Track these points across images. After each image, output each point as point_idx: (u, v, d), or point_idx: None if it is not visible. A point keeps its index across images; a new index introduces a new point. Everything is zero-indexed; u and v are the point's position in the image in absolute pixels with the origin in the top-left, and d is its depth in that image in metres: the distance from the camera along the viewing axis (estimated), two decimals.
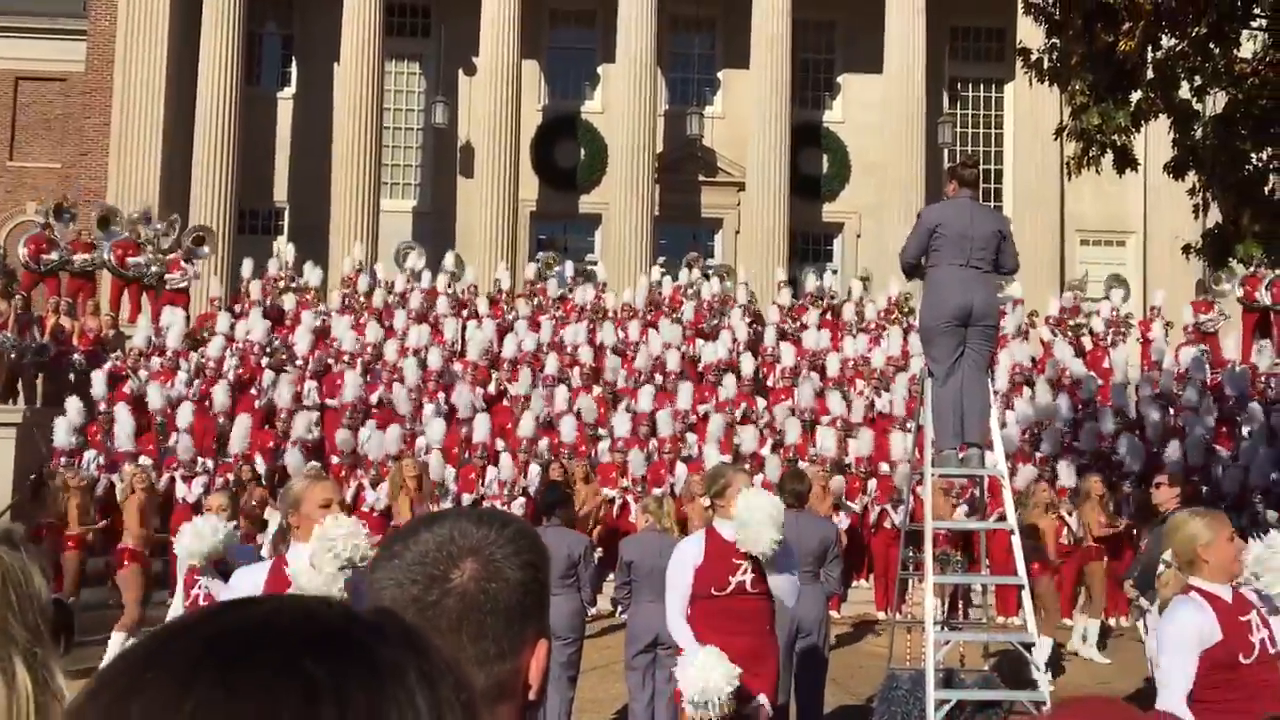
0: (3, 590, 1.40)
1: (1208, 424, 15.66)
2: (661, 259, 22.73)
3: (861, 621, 13.36)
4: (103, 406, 14.85)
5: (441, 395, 15.67)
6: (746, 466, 13.70)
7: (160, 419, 14.75)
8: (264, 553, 5.67)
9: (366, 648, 0.73)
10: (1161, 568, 4.23)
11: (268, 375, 15.99)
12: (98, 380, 15.20)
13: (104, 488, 13.61)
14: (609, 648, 10.46)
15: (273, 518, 11.57)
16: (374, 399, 15.54)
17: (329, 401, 15.55)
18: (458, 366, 16.53)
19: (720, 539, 5.23)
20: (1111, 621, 13.19)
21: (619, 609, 10.62)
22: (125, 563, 11.28)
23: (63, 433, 13.87)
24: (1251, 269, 17.35)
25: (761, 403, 16.09)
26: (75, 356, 16.01)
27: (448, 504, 12.85)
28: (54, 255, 17.95)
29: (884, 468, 14.47)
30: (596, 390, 16.18)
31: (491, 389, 16.20)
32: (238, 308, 18.13)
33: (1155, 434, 15.43)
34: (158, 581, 11.88)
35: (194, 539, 6.26)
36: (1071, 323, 19.23)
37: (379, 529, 13.23)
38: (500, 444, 14.78)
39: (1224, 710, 3.91)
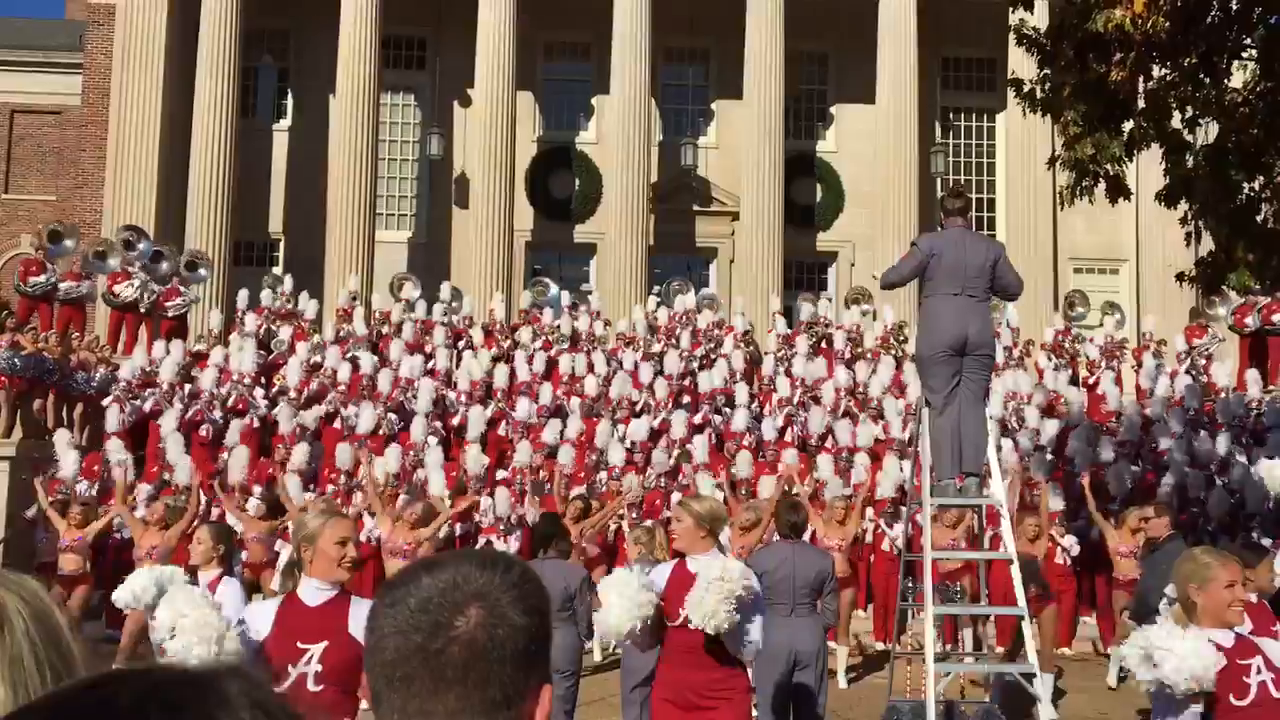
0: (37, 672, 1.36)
1: (1204, 454, 15.64)
2: (656, 288, 22.82)
3: (860, 653, 13.27)
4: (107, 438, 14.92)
5: (438, 423, 15.73)
6: (742, 491, 13.72)
7: (160, 446, 14.79)
8: (274, 586, 5.50)
9: None
10: (1164, 604, 4.19)
11: (259, 406, 16.00)
12: (111, 416, 15.22)
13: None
14: (606, 680, 10.39)
15: (284, 550, 11.50)
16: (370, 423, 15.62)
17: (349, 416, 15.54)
18: (451, 395, 16.58)
19: (685, 570, 5.26)
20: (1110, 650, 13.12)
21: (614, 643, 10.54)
22: None
23: (68, 463, 13.90)
24: (1243, 298, 17.41)
25: (769, 431, 16.06)
26: (78, 375, 15.94)
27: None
28: (42, 278, 17.90)
29: (880, 491, 14.42)
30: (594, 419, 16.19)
31: (488, 413, 16.24)
32: (233, 337, 18.15)
33: (1170, 463, 15.40)
34: None
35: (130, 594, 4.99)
36: (1066, 344, 19.28)
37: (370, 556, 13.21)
38: (499, 473, 14.79)
39: None
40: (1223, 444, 15.63)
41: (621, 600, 4.90)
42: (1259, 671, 3.92)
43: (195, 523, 13.06)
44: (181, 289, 19.12)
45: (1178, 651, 3.84)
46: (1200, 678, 3.81)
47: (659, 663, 5.41)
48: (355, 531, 4.24)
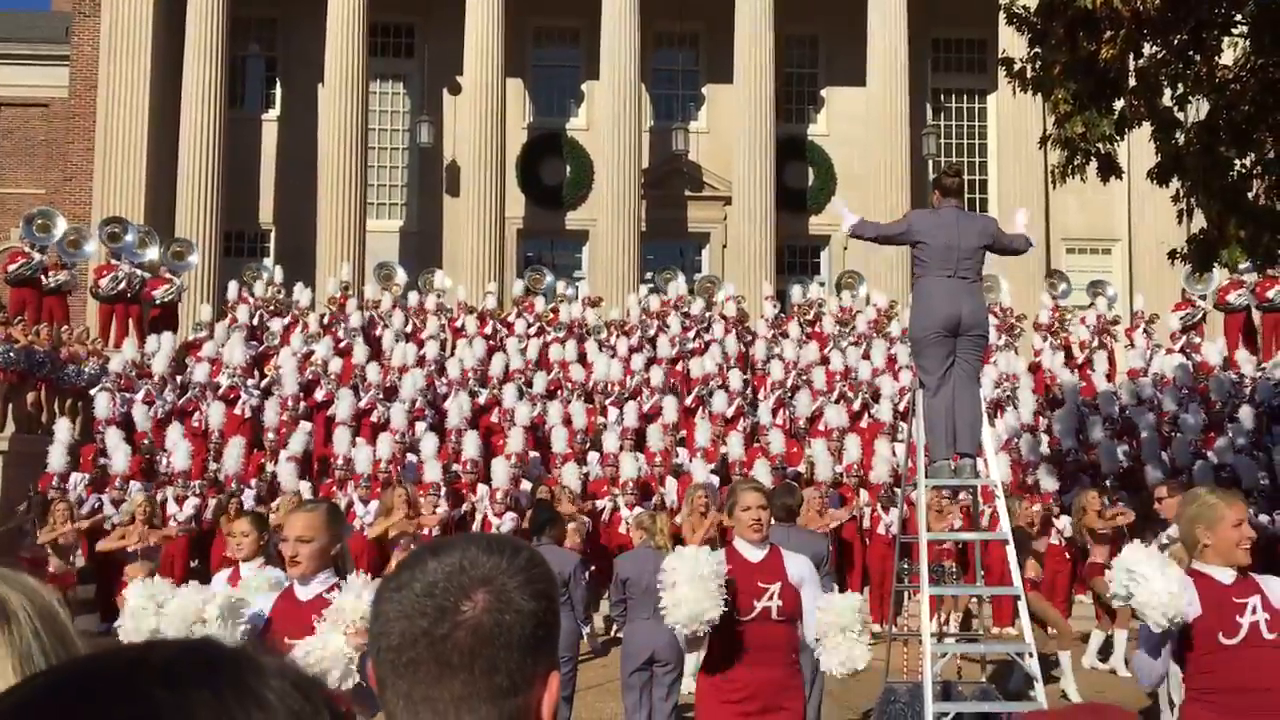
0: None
1: (1191, 427, 15.68)
2: (649, 275, 22.80)
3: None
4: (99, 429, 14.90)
5: (430, 410, 15.73)
6: (745, 474, 13.72)
7: (148, 440, 14.75)
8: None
9: (151, 696, 0.77)
10: (1165, 540, 4.19)
11: (252, 396, 15.97)
12: (100, 402, 15.19)
13: (90, 508, 13.55)
14: (605, 666, 10.40)
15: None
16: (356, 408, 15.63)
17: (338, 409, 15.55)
18: (442, 383, 16.60)
19: (741, 559, 4.92)
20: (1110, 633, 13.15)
21: (615, 626, 10.58)
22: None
23: (56, 456, 13.83)
24: (1230, 276, 17.43)
25: (764, 415, 16.07)
26: (69, 368, 15.89)
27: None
28: (18, 263, 17.85)
29: (874, 475, 14.44)
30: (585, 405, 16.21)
31: (481, 400, 16.23)
32: (220, 326, 18.14)
33: (1149, 439, 15.46)
34: None
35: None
36: (1059, 326, 19.30)
37: (366, 546, 13.22)
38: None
39: (1209, 705, 3.83)
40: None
41: (694, 586, 4.50)
42: (1254, 611, 3.87)
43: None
44: (168, 276, 19.06)
45: (1153, 584, 3.85)
46: (1167, 612, 3.82)
47: (710, 662, 4.89)
48: (313, 528, 4.08)
